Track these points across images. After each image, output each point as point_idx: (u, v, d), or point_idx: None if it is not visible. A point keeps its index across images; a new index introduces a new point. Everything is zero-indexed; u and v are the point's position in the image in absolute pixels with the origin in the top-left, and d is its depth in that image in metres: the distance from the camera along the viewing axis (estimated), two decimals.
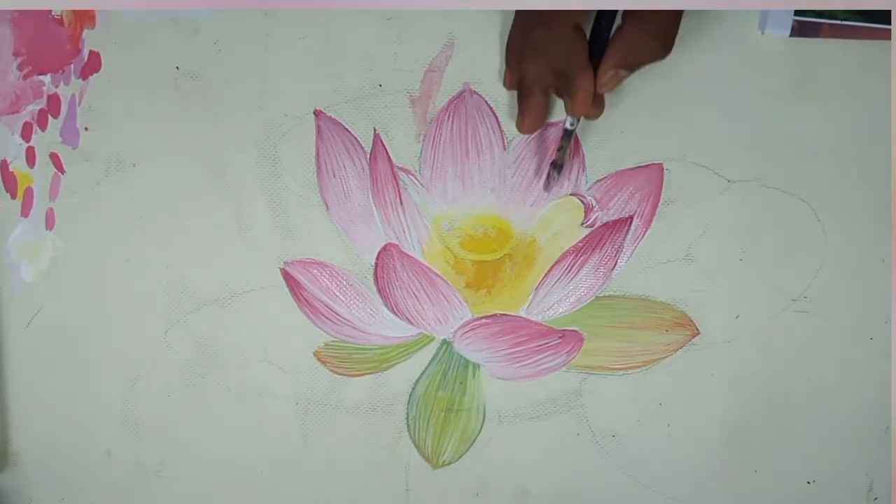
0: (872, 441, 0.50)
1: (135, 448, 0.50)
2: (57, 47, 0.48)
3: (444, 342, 0.50)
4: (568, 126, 0.45)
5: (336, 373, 0.50)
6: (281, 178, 0.49)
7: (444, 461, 0.50)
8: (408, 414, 0.50)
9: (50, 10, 0.48)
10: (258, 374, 0.50)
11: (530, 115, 0.46)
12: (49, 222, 0.49)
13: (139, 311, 0.50)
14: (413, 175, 0.49)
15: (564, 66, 0.42)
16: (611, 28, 0.42)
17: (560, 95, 0.44)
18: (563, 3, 0.40)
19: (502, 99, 0.48)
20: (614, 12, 0.42)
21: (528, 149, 0.48)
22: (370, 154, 0.49)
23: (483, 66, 0.48)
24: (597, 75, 0.42)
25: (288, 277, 0.49)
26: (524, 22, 0.43)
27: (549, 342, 0.49)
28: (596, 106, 0.44)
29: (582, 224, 0.49)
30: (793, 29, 0.47)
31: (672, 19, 0.40)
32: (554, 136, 0.48)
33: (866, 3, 0.46)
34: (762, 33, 0.48)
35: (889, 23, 0.47)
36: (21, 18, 0.48)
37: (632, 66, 0.42)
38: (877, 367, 0.50)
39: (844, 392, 0.50)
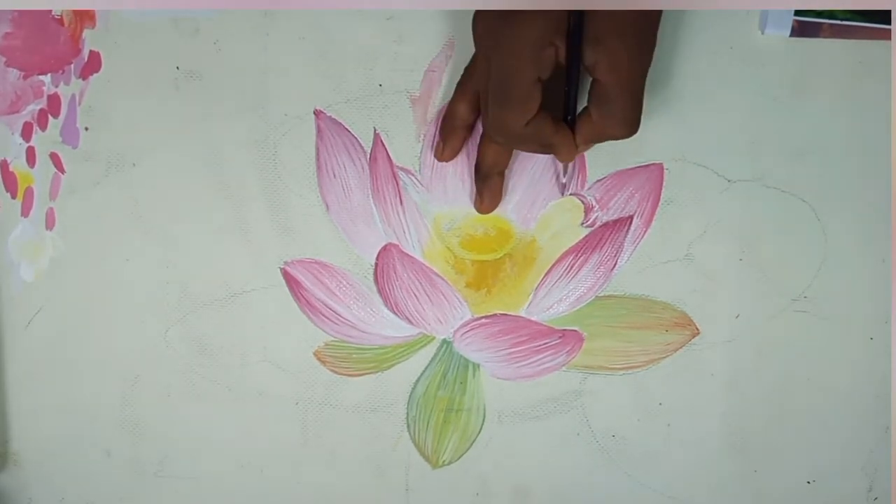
0: (872, 441, 0.50)
1: (135, 448, 0.50)
2: (57, 47, 0.48)
3: (444, 342, 0.50)
4: (563, 181, 0.48)
5: (336, 373, 0.50)
6: (281, 178, 0.49)
7: (444, 461, 0.50)
8: (408, 414, 0.50)
9: (50, 10, 0.48)
10: (258, 374, 0.50)
11: (490, 198, 0.47)
12: (49, 222, 0.49)
13: (139, 311, 0.50)
14: (413, 175, 0.49)
15: (541, 142, 0.42)
16: (577, 90, 0.42)
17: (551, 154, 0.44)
18: (564, 2, 0.40)
19: None
20: (578, 75, 0.42)
21: None
22: (370, 154, 0.49)
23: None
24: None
25: (288, 277, 0.49)
26: (493, 118, 0.42)
27: (549, 342, 0.49)
28: (587, 150, 0.45)
29: (582, 224, 0.49)
30: (793, 29, 0.47)
31: (633, 108, 0.41)
32: None
33: (866, 3, 0.46)
34: (762, 33, 0.48)
35: (889, 23, 0.47)
36: (21, 18, 0.48)
37: (600, 142, 0.44)
38: (877, 367, 0.50)
39: (844, 392, 0.50)
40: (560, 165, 0.48)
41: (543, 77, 0.40)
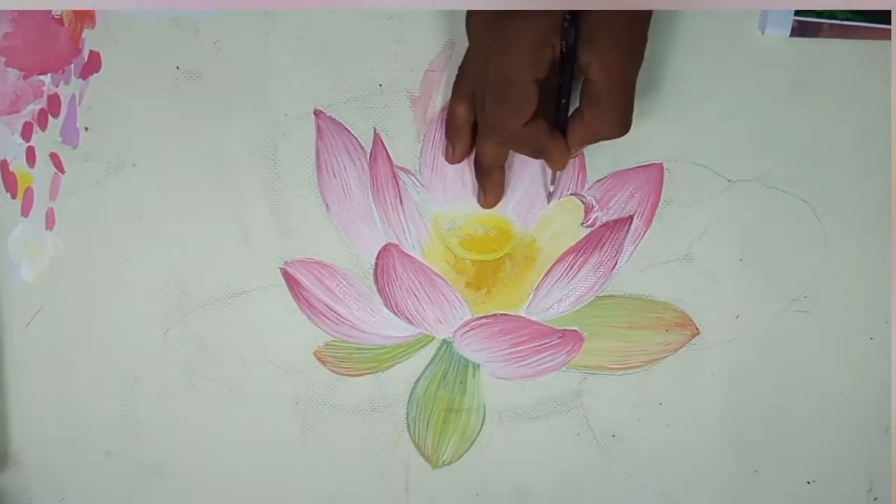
0: (872, 441, 0.50)
1: (135, 448, 0.50)
2: (57, 47, 0.48)
3: (444, 342, 0.50)
4: (550, 189, 0.48)
5: (336, 373, 0.50)
6: (281, 178, 0.49)
7: (444, 461, 0.50)
8: (408, 414, 0.50)
9: (50, 10, 0.48)
10: (258, 374, 0.50)
11: (492, 192, 0.48)
12: (49, 222, 0.49)
13: (139, 311, 0.50)
14: (413, 175, 0.49)
15: (535, 146, 0.43)
16: (569, 99, 0.43)
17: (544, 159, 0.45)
18: (561, 2, 0.40)
19: None
20: (570, 84, 0.42)
21: None
22: (370, 154, 0.49)
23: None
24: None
25: (288, 277, 0.49)
26: (490, 119, 0.43)
27: (549, 342, 0.49)
28: (579, 155, 0.46)
29: (582, 224, 0.49)
30: (793, 29, 0.47)
31: (624, 108, 0.41)
32: None
33: (866, 3, 0.46)
34: (762, 33, 0.48)
35: (889, 23, 0.47)
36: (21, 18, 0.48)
37: (592, 143, 0.44)
38: (877, 367, 0.50)
39: (844, 392, 0.50)
40: (549, 174, 0.48)
41: (540, 77, 0.40)
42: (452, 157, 0.47)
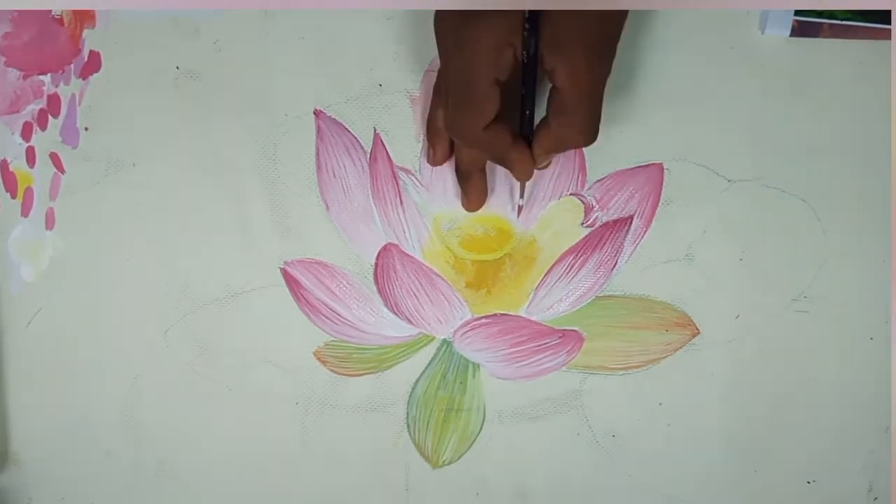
0: (872, 441, 0.50)
1: (135, 448, 0.50)
2: (57, 47, 0.48)
3: (444, 342, 0.50)
4: (519, 203, 0.47)
5: (336, 373, 0.50)
6: (281, 178, 0.49)
7: (444, 461, 0.50)
8: (408, 414, 0.50)
9: (50, 10, 0.48)
10: (258, 374, 0.50)
11: (475, 195, 0.47)
12: (49, 222, 0.49)
13: (139, 310, 0.50)
14: (413, 175, 0.49)
15: (497, 152, 0.43)
16: (534, 110, 0.42)
17: (507, 168, 0.44)
18: (565, 2, 0.40)
19: None
20: (534, 95, 0.42)
21: None
22: (370, 154, 0.49)
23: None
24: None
25: (288, 277, 0.49)
26: (451, 120, 0.42)
27: (549, 342, 0.49)
28: (546, 166, 0.45)
29: (582, 224, 0.49)
30: (793, 29, 0.47)
31: (592, 116, 0.41)
32: None
33: (866, 3, 0.46)
34: (762, 33, 0.48)
35: (889, 23, 0.47)
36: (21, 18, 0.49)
37: (558, 153, 0.44)
38: (877, 367, 0.50)
39: (844, 392, 0.50)
40: (516, 186, 0.47)
41: (502, 78, 0.40)
42: (433, 160, 0.47)
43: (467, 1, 0.40)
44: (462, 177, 0.47)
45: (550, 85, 0.40)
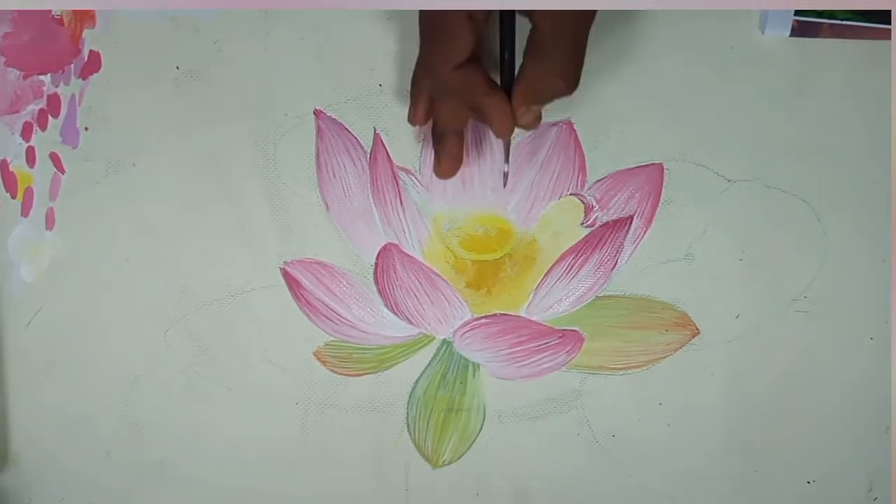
0: (872, 441, 0.50)
1: (135, 448, 0.50)
2: (57, 47, 0.48)
3: (444, 342, 0.50)
4: (504, 169, 0.45)
5: (336, 373, 0.50)
6: (281, 178, 0.49)
7: (444, 461, 0.50)
8: (408, 414, 0.50)
9: (50, 10, 0.48)
10: (258, 374, 0.50)
11: (447, 160, 0.45)
12: (49, 222, 0.49)
13: (139, 311, 0.50)
14: (413, 175, 0.49)
15: (471, 98, 0.40)
16: (513, 54, 0.40)
17: (484, 122, 0.42)
18: (568, 3, 0.40)
19: None
20: (513, 37, 0.40)
21: (528, 148, 0.48)
22: (370, 154, 0.49)
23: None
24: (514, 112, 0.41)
25: (288, 277, 0.49)
26: (423, 60, 0.41)
27: (549, 342, 0.49)
28: (528, 121, 0.42)
29: (582, 224, 0.49)
30: (793, 29, 0.47)
31: (573, 58, 0.38)
32: (551, 136, 0.48)
33: (866, 3, 0.46)
34: (762, 33, 0.48)
35: (889, 23, 0.47)
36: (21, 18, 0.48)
37: (539, 102, 0.40)
38: (877, 367, 0.50)
39: (844, 392, 0.50)
40: (501, 151, 0.46)
41: (476, 15, 0.37)
42: (413, 117, 0.45)
43: (462, 2, 0.40)
44: (437, 137, 0.45)
45: (530, 28, 0.38)
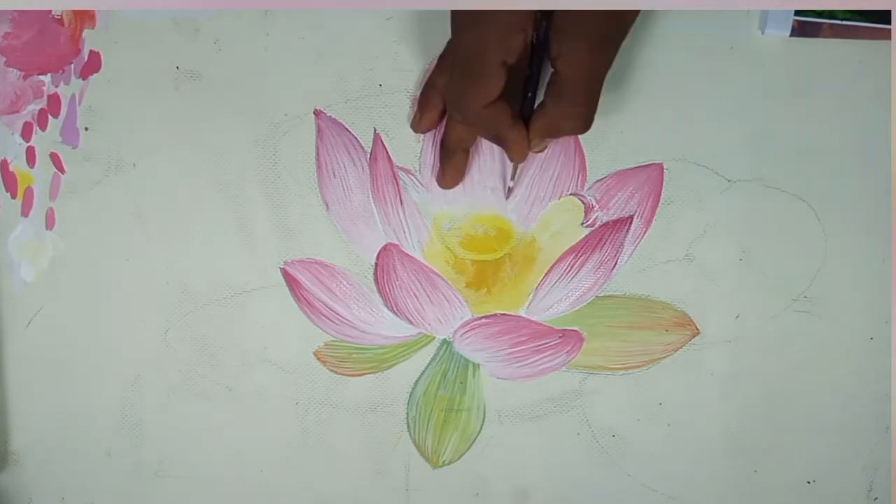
0: (872, 441, 0.50)
1: (135, 448, 0.50)
2: (57, 47, 0.48)
3: (445, 342, 0.50)
4: (509, 184, 0.47)
5: (336, 373, 0.50)
6: (281, 178, 0.49)
7: (444, 461, 0.50)
8: (408, 414, 0.50)
9: (50, 10, 0.48)
10: (258, 374, 0.50)
11: (451, 173, 0.47)
12: (49, 222, 0.49)
13: (139, 311, 0.50)
14: (413, 175, 0.49)
15: (494, 129, 0.43)
16: (535, 93, 0.43)
17: (502, 147, 0.45)
18: (571, 3, 0.40)
19: None
20: (537, 79, 0.43)
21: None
22: (370, 154, 0.49)
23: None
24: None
25: (288, 277, 0.49)
26: (453, 94, 0.43)
27: (549, 342, 0.49)
28: (540, 149, 0.45)
29: (582, 224, 0.49)
30: (793, 29, 0.47)
31: (588, 103, 0.41)
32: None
33: (866, 3, 0.46)
34: (762, 33, 0.48)
35: (889, 23, 0.47)
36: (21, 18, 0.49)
37: (554, 137, 0.44)
38: (877, 366, 0.50)
39: (844, 392, 0.50)
40: (509, 169, 0.47)
41: (510, 61, 0.40)
42: (418, 126, 0.47)
43: (469, 1, 0.40)
44: (445, 153, 0.47)
45: (552, 70, 0.41)
